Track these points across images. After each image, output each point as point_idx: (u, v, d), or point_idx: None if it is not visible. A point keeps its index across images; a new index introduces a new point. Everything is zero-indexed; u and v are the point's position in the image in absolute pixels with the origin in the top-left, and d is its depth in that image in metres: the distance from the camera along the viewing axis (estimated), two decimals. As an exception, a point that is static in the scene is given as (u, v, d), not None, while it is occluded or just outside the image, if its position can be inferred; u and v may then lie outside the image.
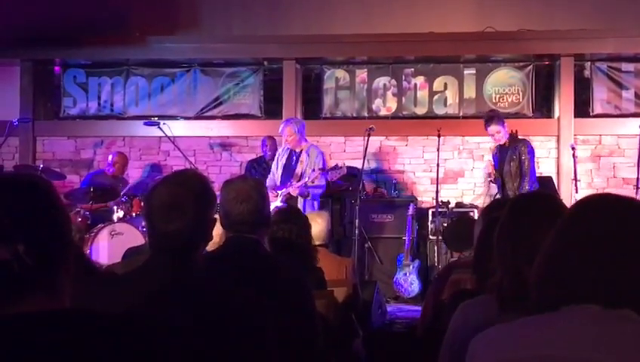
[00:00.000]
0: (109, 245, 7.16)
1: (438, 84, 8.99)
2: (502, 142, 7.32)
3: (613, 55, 8.75)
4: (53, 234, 1.47)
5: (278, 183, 7.29)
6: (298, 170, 7.22)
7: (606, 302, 1.39)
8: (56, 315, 1.38)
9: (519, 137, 7.37)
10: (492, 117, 7.44)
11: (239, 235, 2.77)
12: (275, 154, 7.89)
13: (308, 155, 7.24)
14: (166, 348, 1.47)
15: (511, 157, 7.19)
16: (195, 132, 9.19)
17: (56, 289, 1.44)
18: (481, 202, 8.51)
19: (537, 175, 7.54)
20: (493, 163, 7.41)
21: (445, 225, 7.87)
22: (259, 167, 8.30)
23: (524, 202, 2.24)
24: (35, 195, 1.48)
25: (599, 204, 1.52)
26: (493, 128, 7.25)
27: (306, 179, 7.09)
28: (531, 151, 7.25)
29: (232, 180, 2.94)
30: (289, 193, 7.13)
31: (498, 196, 7.41)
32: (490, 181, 7.70)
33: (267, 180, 7.23)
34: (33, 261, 1.40)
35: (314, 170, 7.15)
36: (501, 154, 7.33)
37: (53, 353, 1.32)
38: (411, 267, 7.77)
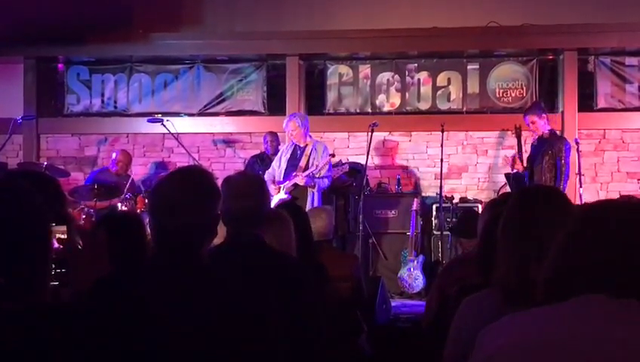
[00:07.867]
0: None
1: (441, 79, 8.97)
2: (538, 134, 7.26)
3: (616, 49, 8.73)
4: (30, 256, 1.49)
5: (281, 178, 7.29)
6: (302, 163, 7.22)
7: (614, 293, 1.40)
8: (25, 311, 1.45)
9: (558, 134, 7.28)
10: (531, 106, 7.55)
11: (240, 231, 2.77)
12: (277, 150, 7.87)
13: (315, 150, 7.25)
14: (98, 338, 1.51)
15: (546, 151, 7.09)
16: (198, 128, 9.20)
17: (30, 291, 1.47)
18: (485, 197, 8.50)
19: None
20: (518, 154, 7.34)
21: (451, 219, 7.84)
22: (262, 162, 8.28)
23: (529, 196, 2.23)
24: (11, 221, 1.49)
25: (612, 206, 1.53)
26: (529, 118, 7.25)
27: (313, 168, 7.10)
28: (568, 150, 7.17)
29: (231, 176, 2.93)
30: (295, 183, 7.13)
31: (503, 190, 7.35)
32: (511, 172, 7.50)
33: (265, 175, 7.22)
34: (11, 284, 1.43)
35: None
36: (538, 147, 7.25)
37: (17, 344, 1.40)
38: (416, 262, 7.77)
